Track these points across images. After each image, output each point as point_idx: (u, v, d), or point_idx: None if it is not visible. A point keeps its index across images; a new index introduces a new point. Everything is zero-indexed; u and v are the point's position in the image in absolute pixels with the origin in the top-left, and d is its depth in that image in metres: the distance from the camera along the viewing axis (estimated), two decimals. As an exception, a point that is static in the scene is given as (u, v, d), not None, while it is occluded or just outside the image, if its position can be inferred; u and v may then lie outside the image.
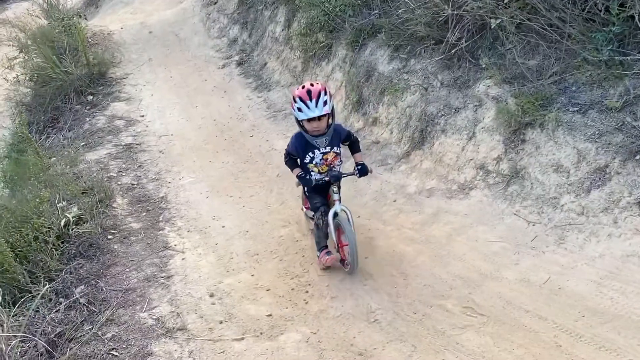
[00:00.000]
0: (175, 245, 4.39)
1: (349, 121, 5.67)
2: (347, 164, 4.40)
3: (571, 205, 3.52)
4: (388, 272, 3.67)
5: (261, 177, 5.35)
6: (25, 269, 3.80)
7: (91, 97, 7.43)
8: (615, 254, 3.15)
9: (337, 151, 3.74)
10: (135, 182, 5.45)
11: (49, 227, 4.17)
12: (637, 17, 3.36)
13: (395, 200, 4.45)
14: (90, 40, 8.95)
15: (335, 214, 3.66)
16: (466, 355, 2.90)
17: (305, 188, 3.90)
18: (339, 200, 3.70)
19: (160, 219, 4.81)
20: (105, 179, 5.30)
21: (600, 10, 3.58)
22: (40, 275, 3.83)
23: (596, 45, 3.69)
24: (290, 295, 3.68)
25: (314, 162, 3.72)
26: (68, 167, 5.54)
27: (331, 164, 3.75)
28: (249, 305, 3.60)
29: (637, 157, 3.32)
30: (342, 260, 3.76)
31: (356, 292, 3.55)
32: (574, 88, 3.87)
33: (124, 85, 7.92)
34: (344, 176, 3.75)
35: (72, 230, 4.32)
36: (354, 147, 3.89)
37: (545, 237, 3.49)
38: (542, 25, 4.00)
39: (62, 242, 4.22)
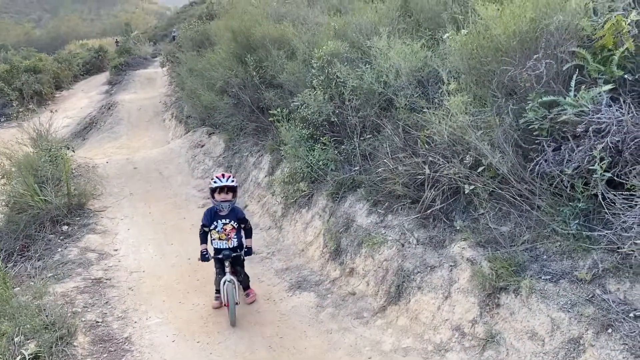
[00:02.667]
0: (135, 393, 4.11)
1: (326, 269, 5.71)
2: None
3: (548, 375, 3.49)
4: None
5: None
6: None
7: (66, 227, 7.38)
8: None
9: (234, 225, 5.27)
10: (100, 320, 5.23)
11: (1, 366, 3.90)
12: (600, 196, 3.64)
13: (370, 358, 4.34)
14: (74, 171, 9.12)
15: (225, 282, 5.08)
16: None
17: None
18: (230, 271, 5.18)
19: (122, 363, 4.56)
20: (69, 315, 5.08)
21: (567, 187, 3.89)
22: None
23: (564, 218, 3.94)
24: None
25: (217, 229, 5.25)
26: (32, 298, 5.32)
27: (229, 234, 5.26)
28: None
29: (610, 331, 3.39)
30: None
31: None
32: (545, 257, 4.05)
33: (102, 217, 7.93)
34: (234, 255, 5.22)
35: (26, 370, 4.04)
36: (247, 234, 5.39)
37: (523, 409, 3.40)
38: (513, 195, 4.29)
39: (13, 383, 3.92)
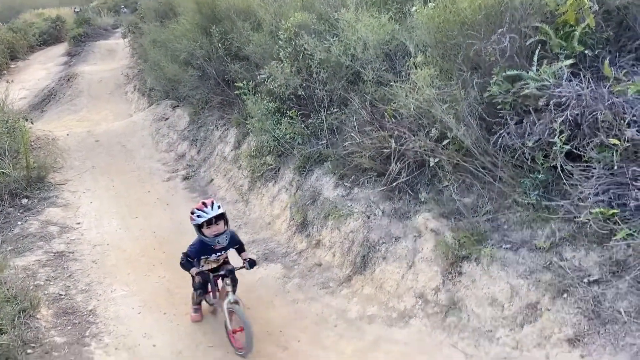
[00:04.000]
0: (100, 364, 4.10)
1: (293, 241, 5.75)
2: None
3: (506, 339, 3.64)
4: (327, 401, 3.56)
5: (199, 295, 5.20)
6: None
7: (26, 200, 7.19)
8: (549, 391, 3.24)
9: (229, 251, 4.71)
10: (63, 293, 5.16)
11: (-39, 338, 3.82)
12: (559, 168, 3.77)
13: (336, 326, 4.43)
14: (33, 144, 8.85)
15: (230, 303, 4.30)
16: None
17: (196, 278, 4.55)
18: (232, 291, 4.38)
19: (87, 334, 4.53)
20: (31, 288, 4.98)
21: (527, 159, 4.01)
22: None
23: (524, 190, 4.07)
24: None
25: (208, 259, 4.56)
26: (-9, 272, 5.18)
27: (222, 262, 4.68)
28: None
29: (565, 296, 3.55)
30: (238, 348, 4.31)
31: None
32: (505, 226, 4.18)
33: (63, 191, 7.74)
34: (237, 269, 4.55)
35: (-13, 342, 3.97)
36: (241, 249, 4.68)
37: (482, 370, 3.55)
38: (476, 167, 4.39)
39: (-26, 356, 3.85)
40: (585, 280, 3.54)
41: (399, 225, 4.85)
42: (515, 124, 4.12)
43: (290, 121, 6.35)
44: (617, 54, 4.06)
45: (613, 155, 3.53)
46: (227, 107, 8.42)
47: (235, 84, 7.16)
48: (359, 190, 5.45)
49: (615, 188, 3.53)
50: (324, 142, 6.06)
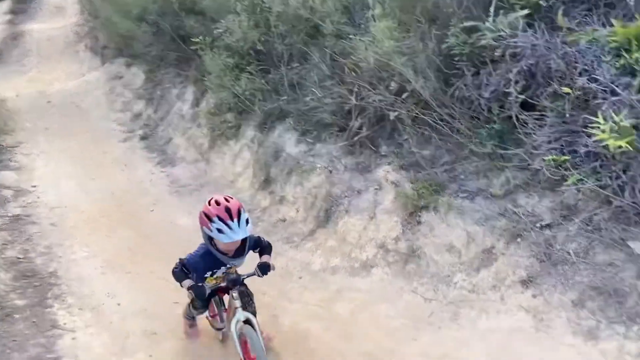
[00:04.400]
0: (64, 324, 4.09)
1: (256, 199, 5.76)
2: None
3: (463, 283, 3.80)
4: (293, 349, 3.66)
5: (162, 253, 5.15)
6: None
7: (-24, 164, 6.93)
8: (504, 329, 3.42)
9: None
10: (21, 256, 5.06)
11: None
12: (514, 118, 3.87)
13: (300, 278, 4.52)
14: (-20, 105, 8.46)
15: (238, 322, 3.24)
16: None
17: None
18: (241, 307, 3.25)
19: (49, 296, 4.48)
20: (-13, 252, 4.88)
21: (484, 110, 4.09)
22: None
23: (481, 140, 4.17)
24: (191, 377, 3.54)
25: (214, 275, 3.36)
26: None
27: (230, 274, 3.41)
28: (146, 387, 3.40)
29: (518, 240, 3.71)
30: None
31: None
32: (463, 176, 4.30)
33: (16, 154, 7.48)
34: (244, 278, 3.30)
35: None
36: (264, 252, 3.45)
37: (440, 313, 3.71)
38: (435, 119, 4.46)
39: None
40: (538, 224, 3.70)
41: (361, 179, 4.92)
42: (472, 75, 4.17)
43: (250, 77, 6.25)
44: (571, 4, 4.13)
45: (565, 103, 3.64)
46: (183, 64, 8.20)
47: (191, 39, 6.95)
48: (321, 146, 5.47)
49: (567, 136, 3.66)
50: (285, 98, 6.01)
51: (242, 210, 3.08)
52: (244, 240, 3.19)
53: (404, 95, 4.63)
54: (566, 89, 3.58)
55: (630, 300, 3.10)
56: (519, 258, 3.63)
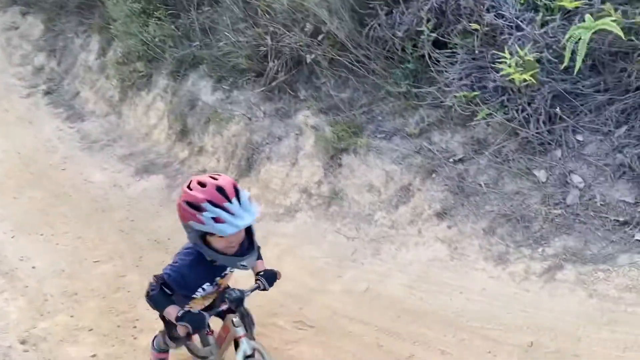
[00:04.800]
0: (-27, 292, 3.85)
1: (173, 151, 5.58)
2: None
3: (383, 220, 3.92)
4: (220, 297, 3.66)
5: (76, 212, 4.96)
6: None
7: None
8: (422, 260, 3.58)
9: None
10: None
11: None
12: (427, 56, 3.93)
13: (224, 227, 4.48)
14: None
15: (247, 357, 2.38)
16: (300, 367, 3.03)
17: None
18: (246, 334, 2.40)
19: (-46, 264, 4.18)
20: None
21: (398, 50, 4.12)
22: None
23: (396, 80, 4.21)
24: (117, 333, 3.47)
25: (203, 294, 2.43)
26: None
27: (222, 290, 2.55)
28: (69, 348, 3.32)
29: (433, 176, 3.85)
30: None
31: (188, 320, 3.47)
32: (380, 117, 4.36)
33: None
34: (248, 295, 2.41)
35: None
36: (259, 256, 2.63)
37: (363, 250, 3.82)
38: (351, 61, 4.44)
39: None
40: (451, 159, 3.84)
41: (281, 125, 4.88)
42: (386, 14, 4.16)
43: (159, 23, 5.91)
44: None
45: (474, 40, 3.73)
46: (86, 11, 7.61)
47: (92, -17, 6.45)
48: (239, 93, 5.34)
49: (477, 72, 3.77)
50: (197, 43, 5.75)
51: (238, 187, 2.20)
52: (247, 229, 2.28)
53: (320, 37, 4.56)
54: (475, 26, 3.67)
55: (536, 225, 3.33)
56: (434, 193, 3.77)
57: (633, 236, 3.04)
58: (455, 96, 3.77)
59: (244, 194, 2.20)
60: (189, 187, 2.22)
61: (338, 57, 4.53)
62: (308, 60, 4.69)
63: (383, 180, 4.04)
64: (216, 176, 2.24)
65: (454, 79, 3.82)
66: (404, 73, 4.17)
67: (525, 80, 3.36)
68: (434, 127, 4.03)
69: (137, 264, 4.18)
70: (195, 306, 2.47)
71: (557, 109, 3.46)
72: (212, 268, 2.37)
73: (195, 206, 2.14)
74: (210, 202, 2.11)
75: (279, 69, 4.98)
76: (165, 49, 5.93)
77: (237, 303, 2.34)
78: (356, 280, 3.60)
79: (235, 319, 2.39)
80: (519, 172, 3.52)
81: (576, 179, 3.36)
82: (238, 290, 2.39)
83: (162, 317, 2.54)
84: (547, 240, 3.22)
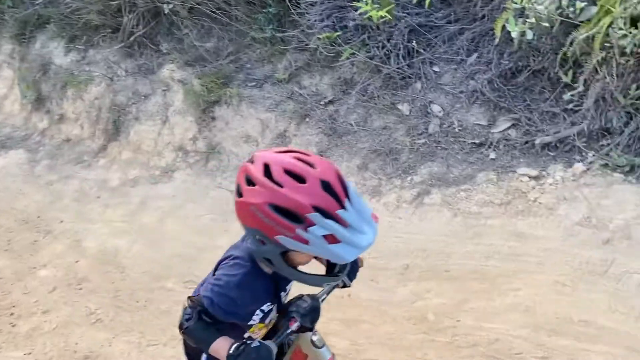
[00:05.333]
0: None
1: (31, 122, 5.12)
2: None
3: (263, 169, 3.93)
4: (103, 269, 3.51)
5: None
6: None
7: None
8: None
9: None
10: None
11: None
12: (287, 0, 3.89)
13: (99, 197, 4.24)
14: None
15: None
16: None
17: None
18: (333, 356, 1.71)
19: None
20: None
21: (258, -6, 4.03)
22: None
23: (260, 26, 4.14)
24: (-7, 322, 3.24)
25: (266, 320, 1.63)
26: None
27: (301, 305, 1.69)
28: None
29: (307, 120, 3.90)
30: None
31: (71, 299, 3.32)
32: (248, 65, 4.29)
33: None
34: (324, 299, 1.67)
35: None
36: None
37: (246, 201, 3.83)
38: (212, 9, 4.28)
39: None
40: (322, 102, 3.91)
41: (146, 82, 4.64)
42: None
43: (-10, -20, 5.27)
44: None
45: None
46: None
47: None
48: (95, 52, 4.97)
49: (337, 12, 3.82)
50: (41, 1, 5.21)
51: (341, 174, 1.37)
52: None
53: (175, -14, 4.33)
54: (329, -35, 3.67)
55: (403, 156, 3.53)
56: (309, 137, 3.84)
57: (488, 156, 3.33)
58: (319, 38, 3.79)
59: (353, 189, 1.37)
60: (271, 177, 1.31)
61: (198, 6, 4.35)
62: (166, 11, 4.45)
63: (259, 130, 4.03)
64: (308, 159, 1.35)
65: (315, 20, 3.84)
66: (267, 18, 4.10)
67: (382, 16, 3.46)
68: (303, 71, 4.05)
69: (6, 247, 3.88)
70: (258, 333, 1.68)
71: (414, 43, 3.62)
72: (272, 281, 1.58)
73: (295, 216, 1.29)
74: (319, 209, 1.29)
75: (136, 23, 4.69)
76: (4, 9, 5.32)
77: (313, 316, 1.60)
78: (243, 232, 3.61)
79: (316, 337, 1.68)
80: (385, 108, 3.67)
81: (436, 108, 3.57)
82: (308, 297, 1.61)
83: (193, 354, 1.74)
84: (414, 169, 3.43)
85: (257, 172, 1.35)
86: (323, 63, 3.96)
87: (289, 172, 1.32)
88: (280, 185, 1.30)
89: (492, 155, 3.33)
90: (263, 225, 1.35)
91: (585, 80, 3.10)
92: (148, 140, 4.43)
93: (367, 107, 3.74)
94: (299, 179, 1.31)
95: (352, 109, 3.79)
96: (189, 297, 1.56)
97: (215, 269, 1.58)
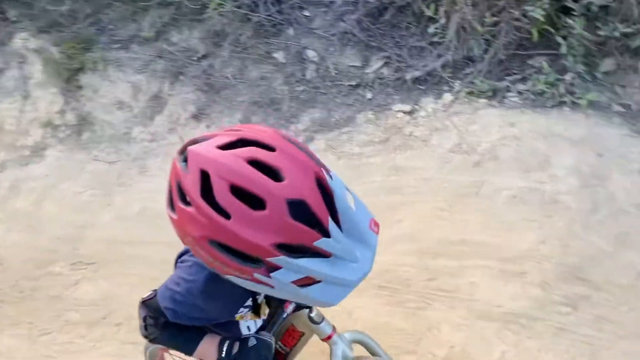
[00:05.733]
0: None
1: None
2: None
3: (142, 135, 3.74)
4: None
5: None
6: None
7: None
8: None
9: None
10: None
11: None
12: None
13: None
14: None
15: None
16: (88, 306, 2.91)
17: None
18: (335, 329, 1.53)
19: None
20: None
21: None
22: None
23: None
24: None
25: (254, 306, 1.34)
26: None
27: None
28: None
29: (181, 78, 3.74)
30: None
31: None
32: (111, 26, 4.00)
33: None
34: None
35: None
36: None
37: (128, 171, 3.64)
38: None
39: None
40: (195, 58, 3.76)
41: (-2, 55, 4.20)
42: None
43: None
44: None
45: None
46: None
47: None
48: None
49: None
50: None
51: (324, 177, 0.98)
52: None
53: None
54: None
55: (284, 105, 3.51)
56: (185, 95, 3.69)
57: (365, 96, 3.40)
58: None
59: (341, 193, 0.98)
60: (212, 200, 0.92)
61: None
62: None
63: (131, 94, 3.81)
64: (272, 160, 0.93)
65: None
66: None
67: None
68: (170, 26, 3.85)
69: None
70: (250, 321, 1.43)
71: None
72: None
73: (249, 257, 0.94)
74: (286, 247, 0.91)
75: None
76: None
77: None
78: (128, 203, 3.45)
79: (313, 312, 1.50)
80: (260, 58, 3.60)
81: (311, 53, 3.56)
82: None
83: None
84: (296, 117, 3.43)
85: (191, 185, 0.94)
86: (190, 16, 3.78)
87: (238, 192, 0.90)
88: (227, 215, 0.90)
89: (369, 95, 3.40)
90: (208, 262, 0.99)
91: (445, 12, 3.20)
92: (10, 118, 4.04)
93: (242, 59, 3.64)
94: (255, 202, 0.89)
95: (227, 62, 3.68)
96: (142, 302, 1.30)
97: (176, 262, 1.28)
